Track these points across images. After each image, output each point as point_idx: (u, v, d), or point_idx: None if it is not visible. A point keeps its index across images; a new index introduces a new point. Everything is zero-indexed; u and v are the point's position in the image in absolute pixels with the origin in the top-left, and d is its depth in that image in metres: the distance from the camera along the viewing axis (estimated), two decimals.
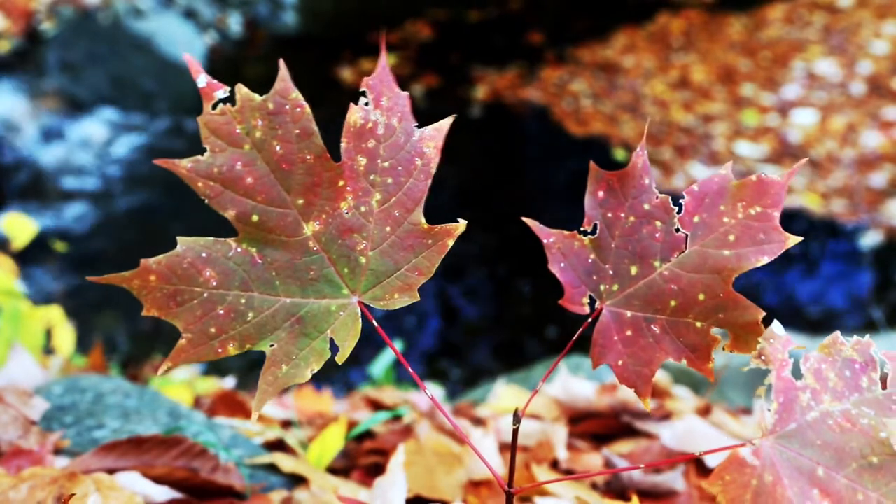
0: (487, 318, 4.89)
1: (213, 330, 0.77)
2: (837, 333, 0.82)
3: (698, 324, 0.80)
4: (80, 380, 1.50)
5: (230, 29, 7.53)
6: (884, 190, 5.53)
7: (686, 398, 1.93)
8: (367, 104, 0.78)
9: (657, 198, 0.82)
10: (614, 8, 7.93)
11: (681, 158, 5.88)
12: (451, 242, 0.80)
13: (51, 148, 5.90)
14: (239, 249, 0.77)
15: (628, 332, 0.83)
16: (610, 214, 0.84)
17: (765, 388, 0.82)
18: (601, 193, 0.84)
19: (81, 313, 4.06)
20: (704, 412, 1.77)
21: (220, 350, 0.77)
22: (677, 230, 0.81)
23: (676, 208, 0.82)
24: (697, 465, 1.45)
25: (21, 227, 2.62)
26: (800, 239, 0.78)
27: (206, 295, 0.76)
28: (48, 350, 2.38)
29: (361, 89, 0.78)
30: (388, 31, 7.44)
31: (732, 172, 0.81)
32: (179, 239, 0.76)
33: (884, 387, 0.81)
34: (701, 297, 0.80)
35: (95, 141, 6.00)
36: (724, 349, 0.81)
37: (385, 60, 0.78)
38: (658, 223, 0.82)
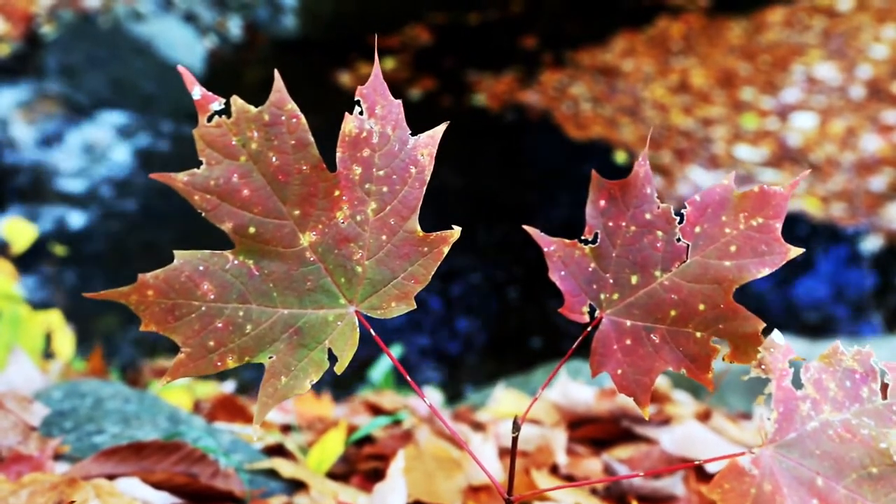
0: (487, 320, 4.89)
1: (211, 343, 0.76)
2: (838, 343, 0.82)
3: (698, 334, 0.80)
4: (79, 384, 1.50)
5: (230, 32, 7.53)
6: (883, 194, 5.53)
7: (686, 403, 1.93)
8: (361, 113, 0.78)
9: (659, 208, 0.82)
10: (613, 12, 7.93)
11: (680, 162, 5.88)
12: (446, 249, 0.80)
13: (51, 151, 5.90)
14: (236, 262, 0.77)
15: (628, 341, 0.83)
16: (611, 224, 0.83)
17: (764, 397, 0.82)
18: (602, 202, 0.84)
19: (81, 317, 4.06)
20: (704, 417, 1.77)
21: (218, 363, 0.77)
22: (678, 240, 0.81)
23: (678, 218, 0.81)
24: (697, 470, 1.45)
25: (21, 230, 2.62)
26: (801, 250, 0.78)
27: (204, 308, 0.76)
28: (48, 354, 2.38)
29: (356, 98, 0.78)
30: (387, 35, 7.44)
31: (732, 178, 0.81)
32: (177, 252, 0.76)
33: (884, 397, 0.81)
34: (701, 307, 0.80)
35: (95, 144, 6.00)
36: (723, 359, 0.81)
37: (378, 69, 0.78)
38: (659, 233, 0.82)
